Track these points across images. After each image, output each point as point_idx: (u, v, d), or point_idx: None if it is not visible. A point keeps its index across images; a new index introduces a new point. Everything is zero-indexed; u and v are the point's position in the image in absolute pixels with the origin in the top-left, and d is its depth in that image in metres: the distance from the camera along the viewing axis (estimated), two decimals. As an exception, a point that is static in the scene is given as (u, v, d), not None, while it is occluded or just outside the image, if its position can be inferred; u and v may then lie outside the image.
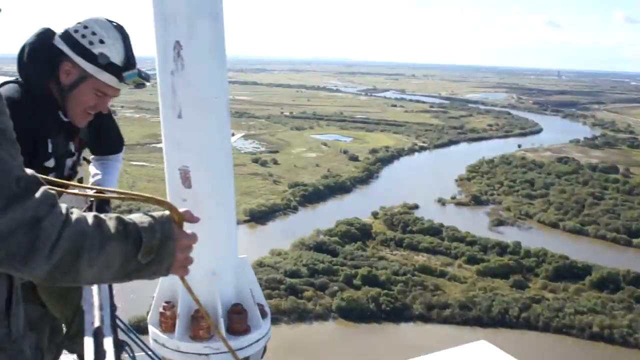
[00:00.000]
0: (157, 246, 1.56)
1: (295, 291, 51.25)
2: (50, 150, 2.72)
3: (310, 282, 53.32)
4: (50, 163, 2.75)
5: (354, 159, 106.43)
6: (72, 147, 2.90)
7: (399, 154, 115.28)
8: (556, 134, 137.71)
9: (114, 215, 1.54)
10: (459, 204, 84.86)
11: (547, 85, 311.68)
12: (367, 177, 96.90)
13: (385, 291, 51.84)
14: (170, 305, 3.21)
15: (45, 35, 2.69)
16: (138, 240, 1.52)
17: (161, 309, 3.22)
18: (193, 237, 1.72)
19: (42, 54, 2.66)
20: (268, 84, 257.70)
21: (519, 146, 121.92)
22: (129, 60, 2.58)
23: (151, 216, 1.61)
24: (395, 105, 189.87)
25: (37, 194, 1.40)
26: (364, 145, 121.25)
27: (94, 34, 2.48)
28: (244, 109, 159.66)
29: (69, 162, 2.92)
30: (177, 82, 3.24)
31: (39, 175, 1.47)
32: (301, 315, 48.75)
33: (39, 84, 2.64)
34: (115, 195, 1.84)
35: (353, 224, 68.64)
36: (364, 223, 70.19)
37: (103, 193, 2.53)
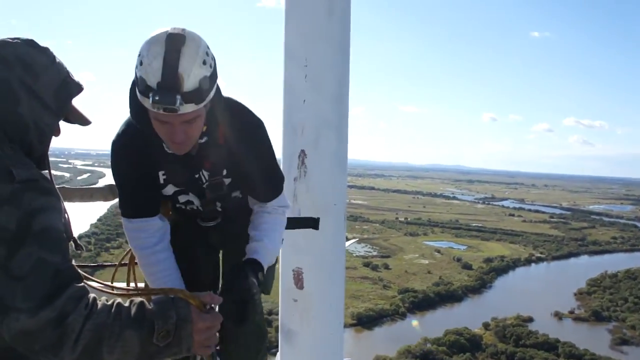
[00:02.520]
0: (172, 330, 1.68)
1: (398, 400, 49.87)
2: (162, 181, 2.59)
3: (414, 391, 51.87)
4: (169, 190, 2.63)
5: (468, 267, 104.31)
6: (203, 175, 2.57)
7: (514, 264, 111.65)
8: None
9: (138, 300, 1.71)
10: (578, 319, 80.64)
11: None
12: (480, 286, 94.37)
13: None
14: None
15: None
16: (152, 326, 1.65)
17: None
18: (212, 319, 1.80)
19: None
20: (385, 189, 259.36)
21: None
22: (165, 79, 1.99)
23: (170, 300, 1.76)
24: (513, 215, 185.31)
25: (67, 291, 1.58)
26: (478, 253, 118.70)
27: (139, 54, 2.07)
28: (359, 212, 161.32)
29: (206, 188, 2.63)
30: (299, 189, 3.60)
31: (76, 267, 1.68)
32: None
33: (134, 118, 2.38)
34: (134, 292, 1.96)
35: (462, 333, 66.79)
36: (474, 334, 68.19)
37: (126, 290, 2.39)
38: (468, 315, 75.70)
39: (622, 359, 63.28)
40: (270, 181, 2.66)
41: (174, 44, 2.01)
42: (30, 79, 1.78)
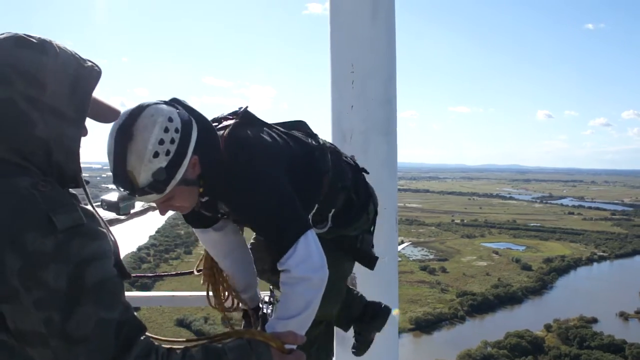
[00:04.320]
0: None
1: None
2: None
3: (476, 396, 51.26)
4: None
5: (527, 268, 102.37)
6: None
7: (575, 263, 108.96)
8: None
9: (212, 348, 1.57)
10: (644, 319, 78.16)
11: None
12: (541, 287, 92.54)
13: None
14: None
15: None
16: None
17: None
18: (296, 359, 1.70)
19: None
20: (440, 192, 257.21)
21: None
22: (117, 177, 2.08)
23: (247, 345, 1.61)
24: (572, 213, 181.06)
25: (134, 350, 1.44)
26: (537, 254, 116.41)
27: None
28: (414, 216, 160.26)
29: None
30: None
31: (138, 319, 1.51)
32: None
33: None
34: (194, 343, 1.74)
35: (524, 336, 65.70)
36: (535, 336, 66.97)
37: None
38: (529, 317, 74.40)
39: (693, 360, 60.92)
40: (270, 232, 2.35)
41: (121, 141, 2.00)
42: (36, 91, 1.50)
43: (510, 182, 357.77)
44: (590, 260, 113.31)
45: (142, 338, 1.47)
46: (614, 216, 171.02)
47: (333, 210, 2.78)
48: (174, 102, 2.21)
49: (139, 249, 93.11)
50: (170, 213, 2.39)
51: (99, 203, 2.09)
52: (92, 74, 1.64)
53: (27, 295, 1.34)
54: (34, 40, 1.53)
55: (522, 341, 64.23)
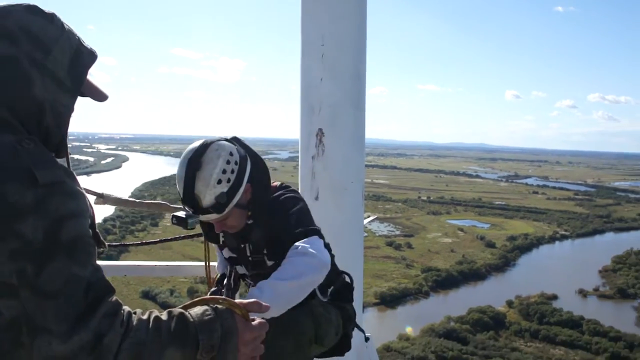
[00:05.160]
0: (217, 344, 1.57)
1: (422, 378, 50.13)
2: (221, 242, 3.00)
3: (438, 370, 52.14)
4: (226, 253, 3.02)
5: (491, 245, 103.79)
6: (248, 247, 2.90)
7: (538, 241, 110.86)
8: None
9: (177, 312, 1.58)
10: (603, 296, 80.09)
11: None
12: (504, 264, 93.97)
13: (518, 384, 49.60)
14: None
15: None
16: (197, 342, 1.53)
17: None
18: (259, 328, 1.72)
19: None
20: (407, 169, 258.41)
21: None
22: (185, 199, 2.58)
23: (213, 311, 1.62)
24: (537, 192, 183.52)
25: (101, 308, 1.43)
26: (502, 232, 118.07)
27: None
28: (382, 192, 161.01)
29: (251, 260, 2.93)
30: (316, 166, 3.67)
31: (107, 280, 1.52)
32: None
33: None
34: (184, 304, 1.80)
35: (486, 312, 66.84)
36: (497, 312, 68.17)
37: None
38: (492, 294, 75.57)
39: (648, 336, 62.69)
40: (290, 238, 2.63)
41: (191, 169, 2.52)
42: (40, 54, 1.59)
43: (476, 160, 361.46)
44: (552, 239, 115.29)
45: (110, 298, 1.48)
46: (576, 196, 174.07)
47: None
48: (234, 140, 2.74)
49: (105, 220, 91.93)
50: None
51: (171, 218, 2.62)
52: (90, 54, 1.77)
53: (2, 245, 1.36)
54: (46, 11, 1.64)
55: (484, 316, 65.30)
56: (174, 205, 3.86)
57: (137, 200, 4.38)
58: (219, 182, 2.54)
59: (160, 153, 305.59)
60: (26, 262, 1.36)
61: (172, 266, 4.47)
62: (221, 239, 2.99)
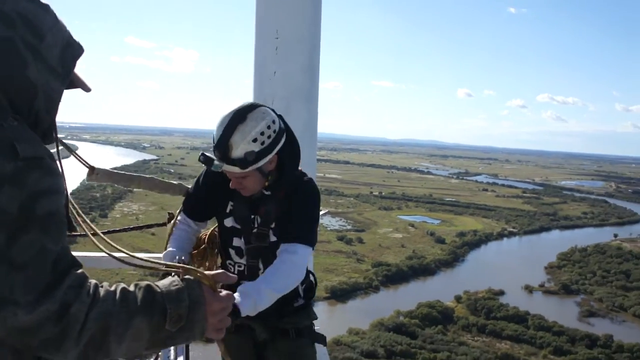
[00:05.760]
0: (185, 314, 1.58)
1: (371, 372, 50.39)
2: (228, 210, 3.01)
3: (386, 364, 52.49)
4: (229, 222, 3.01)
5: (441, 241, 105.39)
6: (257, 219, 2.97)
7: (487, 238, 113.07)
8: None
9: (144, 284, 1.59)
10: (547, 292, 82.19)
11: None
12: (453, 260, 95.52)
13: (465, 378, 50.31)
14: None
15: None
16: (164, 311, 1.55)
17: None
18: (226, 300, 1.75)
19: None
20: (360, 164, 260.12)
21: (615, 235, 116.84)
22: (218, 143, 2.63)
23: (181, 281, 1.64)
24: (486, 190, 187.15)
25: (67, 280, 1.45)
26: (451, 228, 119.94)
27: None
28: (334, 187, 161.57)
29: (253, 234, 2.99)
30: None
31: (73, 256, 1.53)
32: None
33: None
34: (146, 264, 1.90)
35: (435, 306, 67.74)
36: (446, 306, 69.25)
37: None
38: (440, 289, 76.65)
39: (589, 330, 64.34)
40: (295, 226, 2.86)
41: (234, 119, 2.62)
42: (35, 39, 1.60)
43: (428, 157, 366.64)
44: (500, 236, 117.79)
45: (77, 271, 1.50)
46: (524, 194, 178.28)
47: None
48: (279, 115, 2.84)
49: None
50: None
51: (199, 156, 2.70)
52: (79, 47, 1.81)
53: None
54: (41, 1, 1.66)
55: (433, 311, 66.15)
56: (185, 185, 3.60)
57: (136, 175, 3.92)
58: (254, 140, 2.63)
59: (111, 143, 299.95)
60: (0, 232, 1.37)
61: (121, 257, 4.18)
62: (229, 208, 3.02)
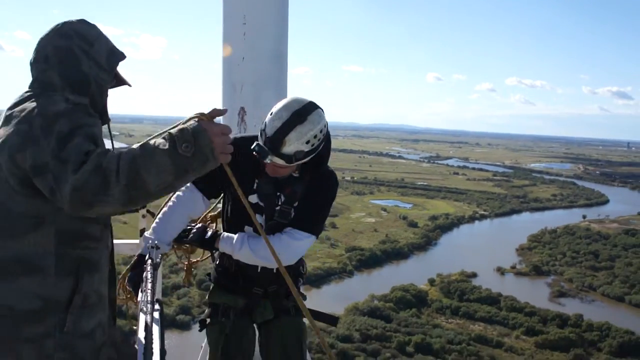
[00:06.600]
0: (192, 140, 1.95)
1: (346, 357, 50.56)
2: (254, 187, 3.10)
3: (362, 348, 52.88)
4: (253, 199, 3.09)
5: (413, 225, 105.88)
6: (281, 198, 3.11)
7: (459, 221, 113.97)
8: (624, 205, 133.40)
9: (158, 134, 2.37)
10: (519, 273, 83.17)
11: (615, 156, 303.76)
12: (426, 243, 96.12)
13: (439, 360, 50.66)
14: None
15: None
16: (174, 140, 1.96)
17: None
18: (224, 126, 2.08)
19: None
20: (332, 149, 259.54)
21: (584, 217, 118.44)
22: (273, 137, 2.74)
23: (180, 123, 2.09)
24: (457, 173, 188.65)
25: (97, 150, 2.00)
26: (424, 212, 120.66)
27: (276, 105, 2.86)
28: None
29: (277, 211, 3.13)
30: None
31: (104, 148, 2.14)
32: (352, 382, 47.92)
33: None
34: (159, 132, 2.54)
35: (409, 290, 68.11)
36: (419, 290, 69.66)
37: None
38: (414, 272, 77.07)
39: (560, 310, 65.32)
40: (303, 215, 3.12)
41: (295, 118, 2.74)
42: (87, 46, 2.36)
43: (399, 141, 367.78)
44: (472, 219, 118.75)
45: (102, 147, 2.15)
46: (495, 177, 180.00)
47: None
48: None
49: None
50: None
51: (254, 145, 2.80)
52: (121, 53, 2.53)
53: (45, 142, 2.01)
54: (90, 22, 2.45)
55: (407, 295, 66.50)
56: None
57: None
58: (307, 142, 2.76)
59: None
60: (54, 144, 2.00)
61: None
62: (255, 184, 3.11)
